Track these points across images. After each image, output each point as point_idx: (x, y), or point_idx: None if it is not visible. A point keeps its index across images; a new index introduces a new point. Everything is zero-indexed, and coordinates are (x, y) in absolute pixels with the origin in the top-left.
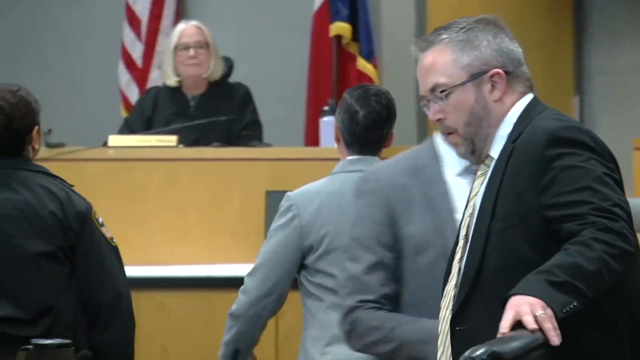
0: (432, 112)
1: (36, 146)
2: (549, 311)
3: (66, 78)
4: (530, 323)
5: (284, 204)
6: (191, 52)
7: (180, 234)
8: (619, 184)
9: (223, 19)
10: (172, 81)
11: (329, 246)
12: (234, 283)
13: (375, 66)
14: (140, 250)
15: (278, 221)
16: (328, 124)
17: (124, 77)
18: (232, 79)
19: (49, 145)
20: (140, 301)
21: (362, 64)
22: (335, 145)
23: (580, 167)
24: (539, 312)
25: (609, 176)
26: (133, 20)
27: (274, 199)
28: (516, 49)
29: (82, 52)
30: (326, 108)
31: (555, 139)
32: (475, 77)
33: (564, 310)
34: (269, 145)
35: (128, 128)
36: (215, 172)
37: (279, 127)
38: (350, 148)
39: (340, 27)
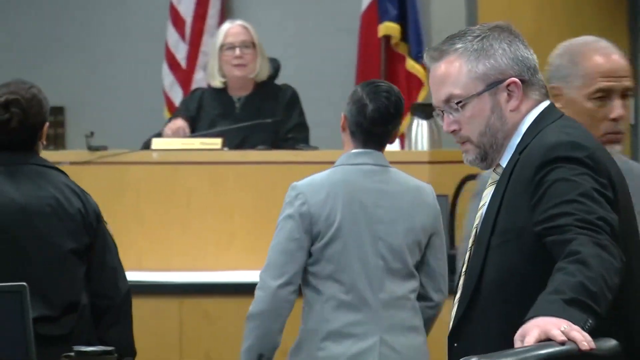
0: (447, 123)
1: (44, 142)
2: (574, 326)
3: (109, 80)
4: (558, 336)
5: (290, 193)
6: (237, 52)
7: (225, 239)
8: (612, 202)
9: (268, 19)
10: (217, 82)
11: (335, 235)
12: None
13: (424, 67)
14: (184, 256)
15: (286, 210)
16: None
17: (168, 78)
18: (279, 80)
19: (91, 148)
20: (184, 308)
21: (411, 65)
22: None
23: (569, 180)
24: (564, 327)
25: (600, 192)
26: (177, 20)
27: None
28: (531, 56)
29: (125, 53)
30: None
31: (550, 156)
32: (492, 86)
33: (585, 328)
34: (315, 148)
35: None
36: (261, 175)
37: (325, 129)
38: (355, 139)
39: (389, 27)
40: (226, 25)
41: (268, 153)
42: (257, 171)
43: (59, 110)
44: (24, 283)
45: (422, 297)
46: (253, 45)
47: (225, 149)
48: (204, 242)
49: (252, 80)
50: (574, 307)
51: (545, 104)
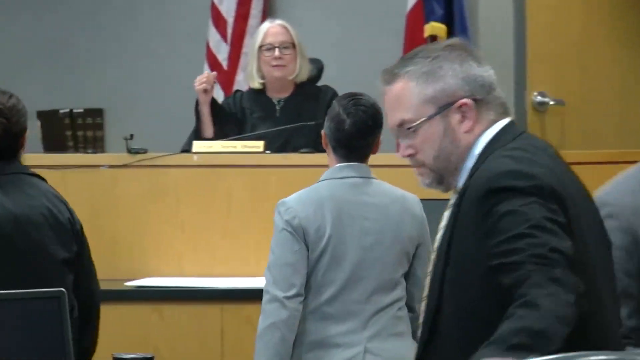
0: (401, 148)
1: (23, 150)
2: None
3: (149, 81)
4: None
5: (280, 209)
6: (276, 52)
7: (266, 244)
8: (563, 225)
9: (312, 19)
10: (256, 83)
11: (325, 248)
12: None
13: None
14: (225, 261)
15: (280, 225)
16: None
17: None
18: (321, 81)
19: (130, 151)
20: (226, 314)
21: None
22: None
23: (517, 212)
24: None
25: (550, 219)
26: (219, 20)
27: None
28: (486, 73)
29: (165, 54)
30: None
31: (494, 185)
32: (443, 109)
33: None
34: None
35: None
36: (303, 179)
37: None
38: (336, 154)
39: (435, 28)
40: (265, 25)
41: (310, 156)
42: (299, 174)
43: (98, 113)
44: (63, 289)
45: (408, 307)
46: (293, 45)
47: (268, 152)
48: (245, 247)
49: (292, 81)
50: (513, 351)
51: (502, 123)
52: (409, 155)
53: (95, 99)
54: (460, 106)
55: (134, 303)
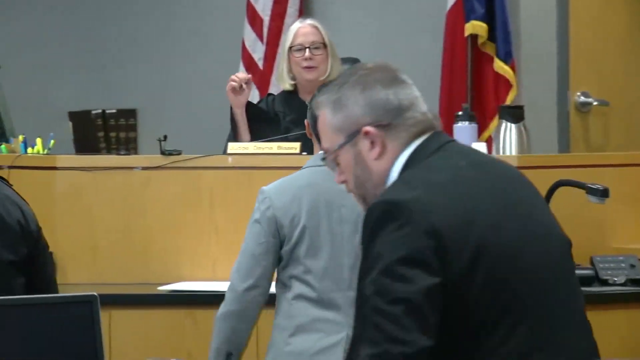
0: (336, 175)
1: None
2: None
3: (183, 81)
4: None
5: (258, 197)
6: (306, 53)
7: None
8: (427, 264)
9: (349, 17)
10: (287, 85)
11: (302, 237)
12: None
13: (513, 68)
14: None
15: (255, 215)
16: (463, 131)
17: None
18: None
19: (164, 153)
20: (261, 319)
21: (499, 66)
22: None
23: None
24: None
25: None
26: (254, 19)
27: None
28: (393, 96)
29: (200, 54)
30: (460, 113)
31: (368, 223)
32: (350, 138)
33: None
34: None
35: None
36: None
37: None
38: (318, 143)
39: (475, 26)
40: (296, 25)
41: None
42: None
43: (131, 113)
44: (95, 293)
45: None
46: (324, 45)
47: (304, 153)
48: None
49: (323, 82)
50: None
51: (418, 141)
52: (342, 182)
53: (128, 100)
54: (366, 133)
55: (167, 308)
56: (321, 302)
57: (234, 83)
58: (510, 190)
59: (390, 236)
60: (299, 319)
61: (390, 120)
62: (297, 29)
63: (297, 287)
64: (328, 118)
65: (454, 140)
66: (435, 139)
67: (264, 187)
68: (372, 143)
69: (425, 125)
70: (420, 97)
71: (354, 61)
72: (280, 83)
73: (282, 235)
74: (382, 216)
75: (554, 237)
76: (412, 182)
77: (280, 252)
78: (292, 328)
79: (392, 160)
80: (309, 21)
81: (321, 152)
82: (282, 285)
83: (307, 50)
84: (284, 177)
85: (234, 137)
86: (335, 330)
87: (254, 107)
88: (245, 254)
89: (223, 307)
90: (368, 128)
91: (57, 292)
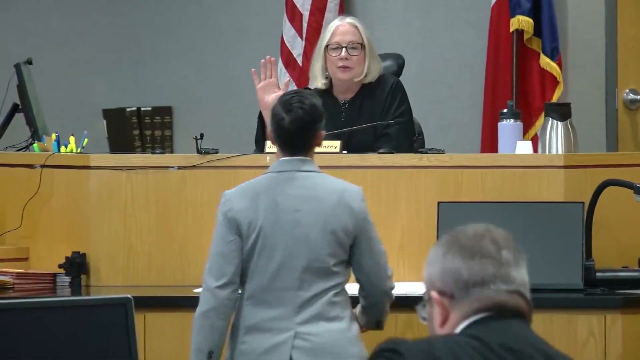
0: None
1: None
2: None
3: (220, 78)
4: None
5: (221, 201)
6: (343, 52)
7: None
8: None
9: (391, 12)
10: (319, 84)
11: (257, 239)
12: (400, 303)
13: (559, 64)
14: None
15: (218, 218)
16: (507, 128)
17: (283, 76)
18: (401, 77)
19: (200, 152)
20: None
21: (545, 62)
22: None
23: None
24: None
25: None
26: (294, 14)
27: (446, 211)
28: (465, 270)
29: (237, 50)
30: (505, 110)
31: None
32: (427, 297)
33: None
34: (441, 151)
35: None
36: (381, 181)
37: (452, 131)
38: (281, 150)
39: (521, 21)
40: (334, 23)
41: (389, 157)
42: (377, 176)
43: (166, 111)
44: (129, 295)
45: (363, 293)
46: (362, 46)
47: (344, 152)
48: None
49: (359, 82)
50: None
51: (473, 318)
52: None
53: (164, 97)
54: (433, 298)
55: None
56: (271, 302)
57: (263, 78)
58: None
59: None
60: (251, 319)
61: (455, 292)
62: (336, 27)
63: (250, 287)
64: (424, 268)
65: (511, 323)
66: (491, 319)
67: (226, 191)
68: (438, 309)
69: (490, 305)
70: (507, 276)
71: (396, 57)
72: (313, 82)
73: (242, 236)
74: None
75: None
76: (436, 346)
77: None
78: (245, 327)
79: (451, 331)
80: (348, 20)
81: (283, 158)
82: (241, 285)
83: (344, 49)
84: (246, 182)
85: (261, 138)
86: (284, 329)
87: None
88: (215, 255)
89: (200, 307)
90: (435, 294)
91: None
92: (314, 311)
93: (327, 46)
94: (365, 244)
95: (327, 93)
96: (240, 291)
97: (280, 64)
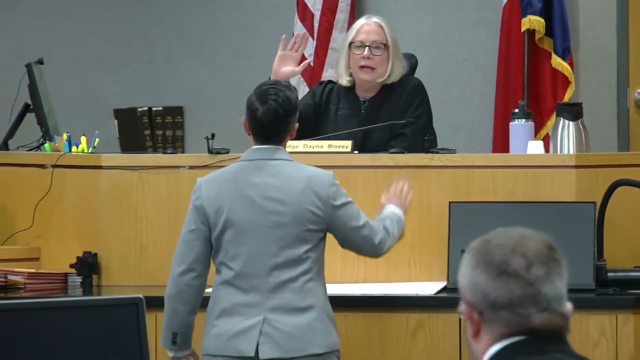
0: None
1: None
2: None
3: (231, 78)
4: None
5: (194, 188)
6: (365, 52)
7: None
8: None
9: (402, 11)
10: (344, 81)
11: (225, 226)
12: (412, 303)
13: (570, 64)
14: None
15: (189, 204)
16: (518, 128)
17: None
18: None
19: (212, 152)
20: None
21: (557, 62)
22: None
23: None
24: None
25: None
26: (305, 14)
27: (458, 211)
28: (492, 289)
29: (248, 49)
30: (516, 110)
31: None
32: (460, 304)
33: None
34: (452, 151)
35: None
36: (393, 180)
37: (463, 131)
38: (254, 138)
39: (532, 21)
40: (360, 21)
41: (400, 157)
42: (387, 175)
43: (177, 111)
44: (140, 295)
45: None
46: (385, 46)
47: (356, 152)
48: (331, 253)
49: (382, 83)
50: None
51: (504, 342)
52: None
53: (175, 97)
54: (463, 309)
55: (202, 311)
56: (243, 287)
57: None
58: None
59: None
60: (223, 304)
61: (484, 310)
62: (361, 26)
63: (224, 273)
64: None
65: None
66: (527, 345)
67: (199, 178)
68: (469, 321)
69: (521, 329)
70: (535, 296)
71: (410, 57)
72: (338, 78)
73: (209, 224)
74: None
75: None
76: None
77: (211, 238)
78: (217, 311)
79: (485, 347)
80: (374, 19)
81: (255, 147)
82: (215, 271)
83: (367, 49)
84: (218, 170)
85: None
86: (254, 314)
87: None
88: (180, 241)
89: (165, 291)
90: (464, 307)
91: None
92: (285, 298)
93: (351, 44)
94: (343, 226)
95: (350, 90)
96: (217, 275)
97: None
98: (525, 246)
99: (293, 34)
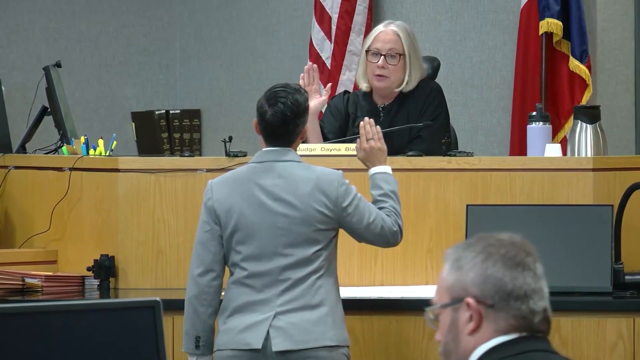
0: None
1: None
2: None
3: (249, 80)
4: None
5: (205, 189)
6: (380, 61)
7: (370, 252)
8: None
9: (420, 14)
10: (363, 86)
11: (235, 227)
12: (426, 307)
13: (588, 67)
14: None
15: (202, 206)
16: (536, 131)
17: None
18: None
19: (229, 154)
20: None
21: (574, 65)
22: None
23: None
24: None
25: None
26: (323, 17)
27: (475, 214)
28: (508, 278)
29: (266, 52)
30: (534, 113)
31: None
32: (454, 302)
33: None
34: (470, 154)
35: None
36: (411, 184)
37: (481, 134)
38: (264, 140)
39: (550, 24)
40: (379, 28)
41: (417, 160)
42: (406, 179)
43: (195, 113)
44: (157, 298)
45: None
46: (401, 55)
47: None
48: (348, 256)
49: (398, 90)
50: None
51: (505, 338)
52: (438, 341)
53: (192, 99)
54: (468, 304)
55: None
56: (255, 287)
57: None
58: None
59: None
60: (235, 302)
61: (495, 302)
62: (378, 33)
63: (237, 273)
64: (444, 274)
65: (543, 352)
66: (524, 342)
67: (211, 180)
68: (471, 317)
69: (525, 324)
70: (542, 291)
71: (432, 60)
72: (358, 83)
73: (221, 224)
74: None
75: None
76: None
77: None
78: (230, 310)
79: (480, 342)
80: (392, 27)
81: (265, 149)
82: (229, 271)
83: (382, 58)
84: (229, 172)
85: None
86: (265, 311)
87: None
88: (196, 243)
89: (186, 294)
90: (471, 300)
91: None
92: (296, 296)
93: (367, 51)
94: (356, 225)
95: (368, 96)
96: (230, 276)
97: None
98: (524, 244)
99: (310, 38)
